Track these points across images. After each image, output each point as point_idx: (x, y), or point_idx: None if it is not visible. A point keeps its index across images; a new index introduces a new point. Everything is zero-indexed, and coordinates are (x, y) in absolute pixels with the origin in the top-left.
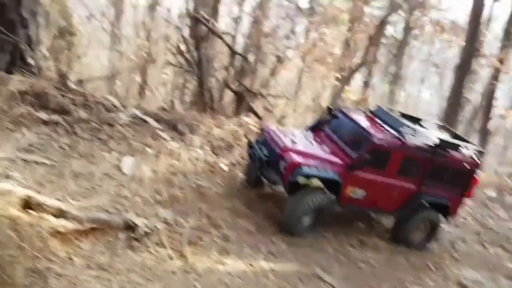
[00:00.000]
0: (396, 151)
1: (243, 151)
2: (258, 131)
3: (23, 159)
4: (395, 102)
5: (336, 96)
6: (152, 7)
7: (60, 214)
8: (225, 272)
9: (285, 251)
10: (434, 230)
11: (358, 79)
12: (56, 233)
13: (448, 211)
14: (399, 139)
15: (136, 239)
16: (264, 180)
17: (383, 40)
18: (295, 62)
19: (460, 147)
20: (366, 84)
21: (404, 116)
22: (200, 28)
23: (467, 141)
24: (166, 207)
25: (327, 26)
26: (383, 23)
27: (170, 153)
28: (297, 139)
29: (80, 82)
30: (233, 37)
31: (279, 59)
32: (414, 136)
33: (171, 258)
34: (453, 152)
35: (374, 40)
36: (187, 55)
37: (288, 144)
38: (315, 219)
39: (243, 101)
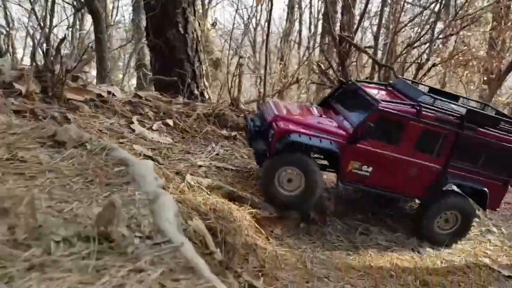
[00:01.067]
0: (410, 122)
1: None
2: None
3: (215, 166)
4: None
5: (487, 100)
6: (286, 32)
7: (254, 205)
8: None
9: None
10: (466, 223)
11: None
12: (255, 219)
13: (485, 200)
14: (415, 108)
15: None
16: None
17: None
18: (437, 68)
19: (497, 122)
20: None
21: (435, 91)
22: (343, 45)
23: None
24: None
25: (469, 28)
26: None
27: None
28: (295, 109)
29: (246, 104)
30: (375, 49)
31: (421, 66)
32: (436, 107)
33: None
34: (491, 129)
35: None
36: (330, 73)
37: (281, 113)
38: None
39: None
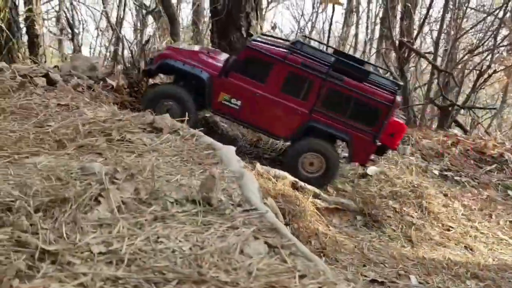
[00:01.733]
0: (277, 63)
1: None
2: None
3: (279, 159)
4: None
5: None
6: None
7: (315, 195)
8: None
9: None
10: (330, 166)
11: None
12: (315, 207)
13: (351, 150)
14: (285, 51)
15: (375, 221)
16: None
17: None
18: (500, 75)
19: (365, 74)
20: None
21: (340, 54)
22: (403, 50)
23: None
24: None
25: None
26: None
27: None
28: (191, 49)
29: None
30: (435, 54)
31: (481, 73)
32: (306, 53)
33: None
34: (358, 80)
35: None
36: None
37: (175, 46)
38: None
39: (448, 115)
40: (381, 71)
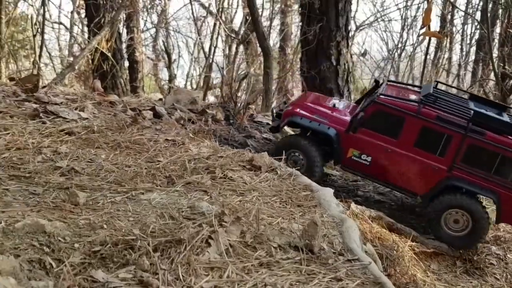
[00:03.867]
0: (407, 117)
1: None
2: None
3: (374, 197)
4: None
5: None
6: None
7: (413, 238)
8: None
9: None
10: (478, 226)
11: None
12: (413, 252)
13: (498, 210)
14: (416, 104)
15: (476, 268)
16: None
17: None
18: None
19: (508, 127)
20: None
21: (477, 99)
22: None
23: None
24: None
25: None
26: None
27: None
28: (317, 100)
29: None
30: None
31: None
32: (440, 106)
33: None
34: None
35: None
36: None
37: (300, 101)
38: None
39: None
40: None
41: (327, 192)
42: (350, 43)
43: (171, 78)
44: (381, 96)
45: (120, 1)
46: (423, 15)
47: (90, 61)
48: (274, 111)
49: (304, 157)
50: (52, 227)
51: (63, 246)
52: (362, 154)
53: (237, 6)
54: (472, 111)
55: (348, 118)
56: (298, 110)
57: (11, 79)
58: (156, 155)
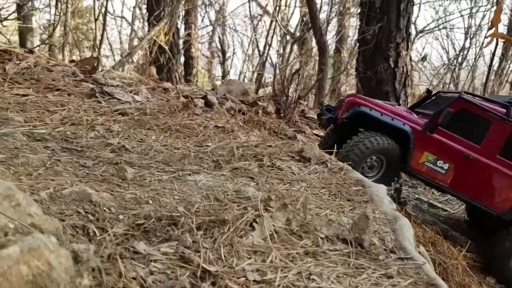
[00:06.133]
0: (495, 121)
1: None
2: None
3: (428, 203)
4: None
5: None
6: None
7: (468, 248)
8: None
9: None
10: None
11: None
12: (467, 262)
13: None
14: (505, 107)
15: None
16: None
17: None
18: None
19: None
20: None
21: None
22: None
23: None
24: None
25: None
26: None
27: None
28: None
29: None
30: None
31: None
32: None
33: None
34: None
35: None
36: None
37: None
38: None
39: None
40: None
41: (380, 189)
42: (410, 46)
43: (224, 74)
44: (465, 94)
45: None
46: (493, 15)
47: (148, 54)
48: (324, 104)
49: (384, 162)
50: (99, 197)
51: (108, 216)
52: (439, 160)
53: (295, 7)
54: None
55: (410, 115)
56: (363, 101)
57: (72, 61)
58: (205, 140)
